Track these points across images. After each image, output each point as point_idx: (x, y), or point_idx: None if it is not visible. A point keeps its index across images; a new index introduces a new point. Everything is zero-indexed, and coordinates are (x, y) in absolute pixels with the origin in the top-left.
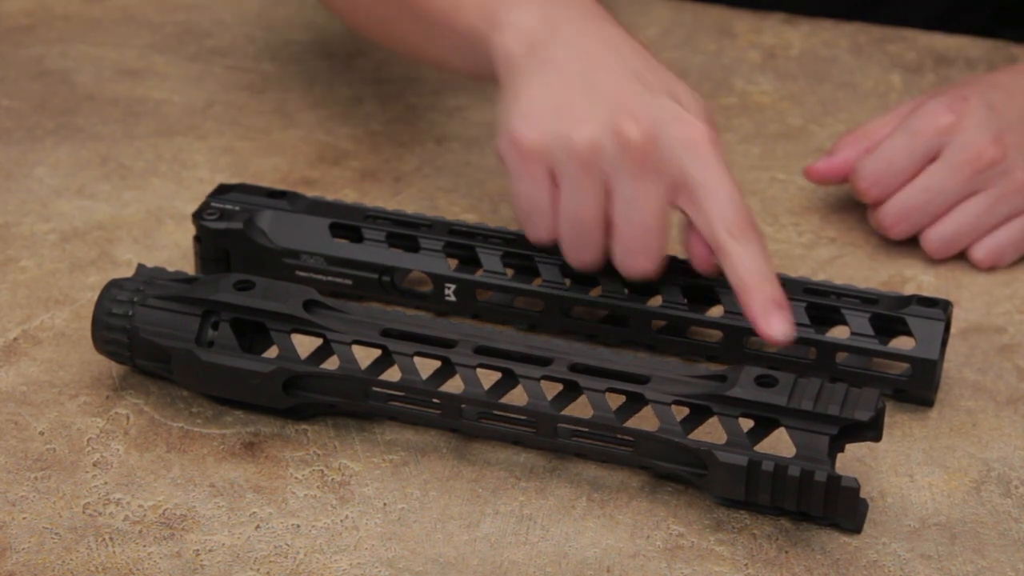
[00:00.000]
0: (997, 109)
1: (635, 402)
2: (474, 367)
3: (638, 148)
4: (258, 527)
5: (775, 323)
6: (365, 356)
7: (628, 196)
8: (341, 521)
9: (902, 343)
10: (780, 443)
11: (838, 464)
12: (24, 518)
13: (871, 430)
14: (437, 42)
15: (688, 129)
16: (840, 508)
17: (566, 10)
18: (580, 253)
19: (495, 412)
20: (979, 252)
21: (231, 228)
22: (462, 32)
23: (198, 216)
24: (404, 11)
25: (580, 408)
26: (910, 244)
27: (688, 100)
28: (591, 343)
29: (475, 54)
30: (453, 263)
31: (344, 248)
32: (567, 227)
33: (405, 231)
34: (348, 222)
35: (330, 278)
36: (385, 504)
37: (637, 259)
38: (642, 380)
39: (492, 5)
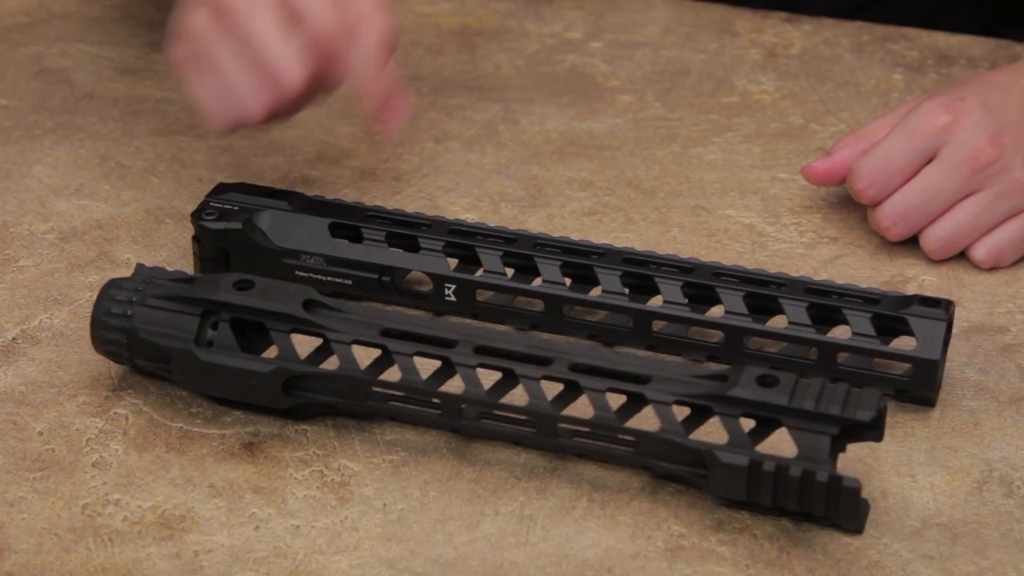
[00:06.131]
0: (994, 108)
1: (636, 402)
2: (474, 367)
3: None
4: (257, 528)
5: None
6: (365, 356)
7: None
8: (341, 522)
9: (904, 343)
10: (781, 443)
11: (839, 464)
12: (23, 519)
13: (872, 430)
14: None
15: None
16: (841, 508)
17: None
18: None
19: (495, 412)
20: (980, 252)
21: (230, 228)
22: None
23: (197, 216)
24: None
25: (581, 408)
26: (911, 244)
27: None
28: (590, 343)
29: None
30: (453, 263)
31: (344, 248)
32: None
33: (405, 231)
34: (348, 222)
35: (330, 278)
36: (385, 504)
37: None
38: (643, 380)
39: None
